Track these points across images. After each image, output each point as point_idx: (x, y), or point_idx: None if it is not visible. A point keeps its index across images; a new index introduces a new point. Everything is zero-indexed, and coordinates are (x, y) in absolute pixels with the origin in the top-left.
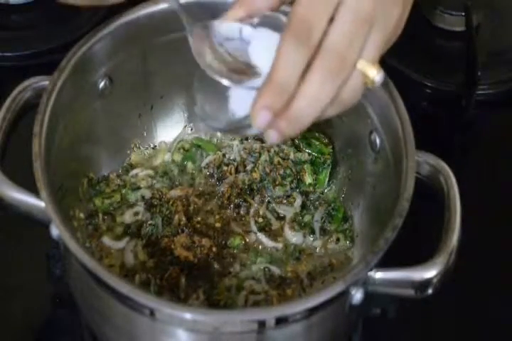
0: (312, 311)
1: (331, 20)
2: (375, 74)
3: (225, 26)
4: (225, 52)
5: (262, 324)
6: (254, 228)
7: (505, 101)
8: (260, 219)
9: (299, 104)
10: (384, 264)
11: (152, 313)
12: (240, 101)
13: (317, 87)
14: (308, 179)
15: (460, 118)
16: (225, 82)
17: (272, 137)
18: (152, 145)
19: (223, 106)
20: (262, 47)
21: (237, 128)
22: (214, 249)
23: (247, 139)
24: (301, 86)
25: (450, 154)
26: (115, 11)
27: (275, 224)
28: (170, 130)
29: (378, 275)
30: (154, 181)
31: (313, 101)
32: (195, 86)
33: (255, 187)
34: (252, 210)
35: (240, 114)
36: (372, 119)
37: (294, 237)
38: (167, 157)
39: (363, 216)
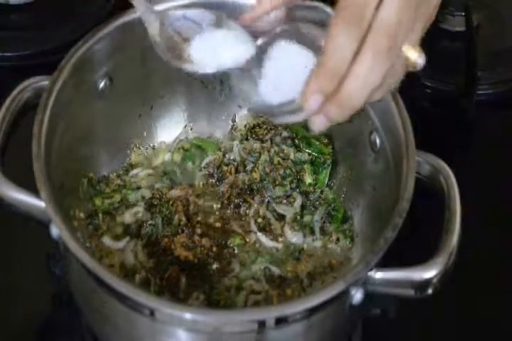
0: (312, 311)
1: (380, 2)
2: (417, 57)
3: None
4: (171, 30)
5: (262, 324)
6: (254, 228)
7: (505, 101)
8: (260, 219)
9: (350, 87)
10: (384, 264)
11: (152, 313)
12: (272, 87)
13: (368, 68)
14: (308, 179)
15: (460, 118)
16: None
17: (319, 123)
18: (152, 145)
19: (255, 91)
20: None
21: (276, 113)
22: (214, 249)
23: (247, 139)
24: (352, 68)
25: (450, 154)
26: (115, 11)
27: (275, 224)
28: (170, 130)
29: (378, 275)
30: (154, 181)
31: (364, 82)
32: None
33: (255, 187)
34: (252, 210)
35: (272, 100)
36: (373, 119)
37: (294, 237)
38: (167, 157)
39: (363, 216)
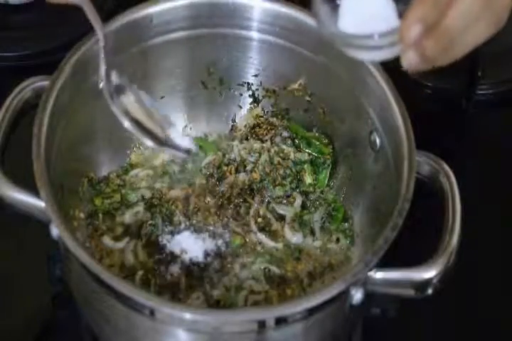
0: (312, 311)
1: None
2: None
3: None
4: None
5: (262, 324)
6: (254, 228)
7: (505, 101)
8: (260, 219)
9: (449, 18)
10: (384, 264)
11: (152, 313)
12: (352, 15)
13: (470, 2)
14: (308, 179)
15: (460, 118)
16: None
17: (412, 59)
18: None
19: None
20: None
21: (355, 47)
22: (214, 249)
23: (247, 139)
24: (454, 1)
25: (450, 154)
26: (115, 11)
27: (275, 224)
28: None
29: (378, 275)
30: (154, 181)
31: (463, 14)
32: None
33: (255, 187)
34: (252, 210)
35: (350, 29)
36: (373, 119)
37: (294, 237)
38: (167, 157)
39: (363, 216)
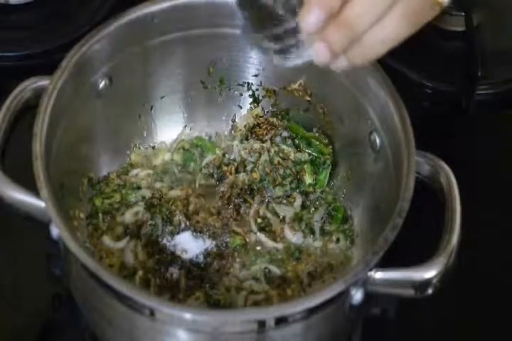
0: (312, 311)
1: None
2: None
3: None
4: None
5: (261, 324)
6: (254, 228)
7: (505, 101)
8: (260, 219)
9: (352, 7)
10: (384, 264)
11: (152, 313)
12: None
13: None
14: (308, 179)
15: (460, 119)
16: None
17: (321, 51)
18: (152, 145)
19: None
20: None
21: (282, 50)
22: (214, 249)
23: (247, 139)
24: None
25: (450, 154)
26: (115, 11)
27: (275, 224)
28: (170, 130)
29: (378, 275)
30: (154, 181)
31: (368, 4)
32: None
33: (255, 187)
34: (252, 210)
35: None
36: (373, 119)
37: (294, 237)
38: (167, 157)
39: (363, 216)
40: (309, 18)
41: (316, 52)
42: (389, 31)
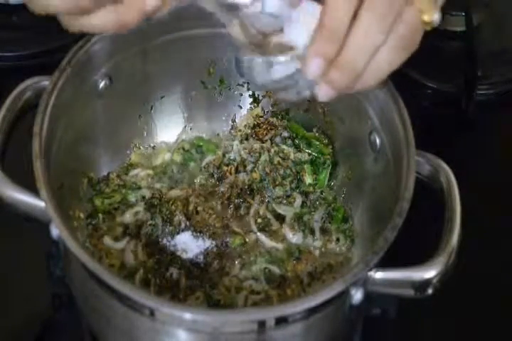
0: (312, 311)
1: None
2: (431, 13)
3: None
4: (251, 27)
5: (262, 324)
6: (254, 228)
7: (505, 101)
8: (260, 219)
9: (349, 48)
10: (384, 264)
11: (152, 313)
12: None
13: (365, 29)
14: (308, 179)
15: (460, 119)
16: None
17: (325, 92)
18: (152, 145)
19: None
20: (300, 22)
21: (282, 88)
22: (214, 249)
23: (247, 139)
24: (350, 32)
25: (450, 154)
26: None
27: (275, 224)
28: (170, 130)
29: (378, 275)
30: (154, 181)
31: (363, 43)
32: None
33: (255, 187)
34: (252, 210)
35: (277, 75)
36: (373, 119)
37: (294, 237)
38: (167, 157)
39: (363, 216)
40: (311, 67)
41: (321, 92)
42: (385, 61)
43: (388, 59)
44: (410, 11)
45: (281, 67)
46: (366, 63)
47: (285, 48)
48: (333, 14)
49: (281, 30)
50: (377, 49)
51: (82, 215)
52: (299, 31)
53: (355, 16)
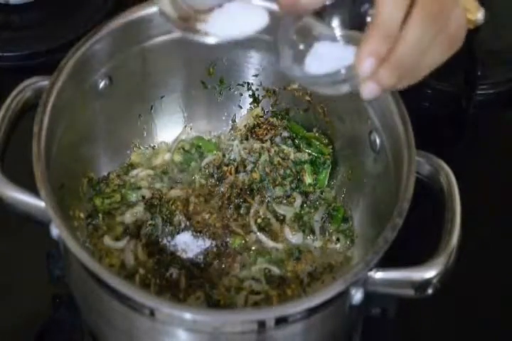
0: (312, 311)
1: None
2: (476, 13)
3: None
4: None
5: (262, 324)
6: (254, 228)
7: (505, 101)
8: (260, 219)
9: (400, 50)
10: (384, 264)
11: (152, 313)
12: (318, 58)
13: (417, 32)
14: (308, 179)
15: (460, 119)
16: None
17: (371, 89)
18: (152, 145)
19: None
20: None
21: (322, 84)
22: (214, 249)
23: (247, 139)
24: (403, 31)
25: (450, 154)
26: (115, 11)
27: (275, 224)
28: (170, 130)
29: (378, 275)
30: (154, 181)
31: (414, 45)
32: (280, 36)
33: (255, 187)
34: (252, 210)
35: (315, 70)
36: (373, 119)
37: (294, 237)
38: (167, 157)
39: (363, 216)
40: (363, 67)
41: (369, 90)
42: (433, 60)
43: (435, 58)
44: (458, 11)
45: (327, 62)
46: (416, 62)
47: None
48: (386, 14)
49: (211, 10)
50: (428, 48)
51: (82, 215)
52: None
53: (406, 16)
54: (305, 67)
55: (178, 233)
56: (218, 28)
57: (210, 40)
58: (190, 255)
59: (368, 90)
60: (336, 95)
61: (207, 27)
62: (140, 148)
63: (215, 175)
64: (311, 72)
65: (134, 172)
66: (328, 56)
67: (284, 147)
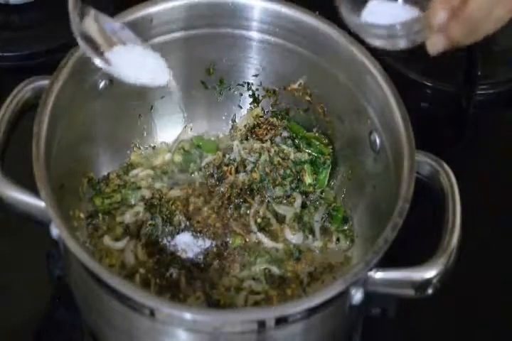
0: (312, 311)
1: None
2: None
3: None
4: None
5: (262, 324)
6: (254, 228)
7: (505, 101)
8: (260, 219)
9: (471, 4)
10: (384, 264)
11: (152, 313)
12: (374, 12)
13: None
14: (308, 179)
15: (460, 119)
16: None
17: (439, 42)
18: (152, 145)
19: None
20: None
21: (377, 35)
22: (214, 249)
23: (247, 139)
24: None
25: (450, 154)
26: (115, 11)
27: (275, 224)
28: (170, 130)
29: (378, 275)
30: (154, 181)
31: (486, 2)
32: None
33: (255, 187)
34: (252, 210)
35: (374, 20)
36: (373, 119)
37: (294, 237)
38: (167, 157)
39: (363, 216)
40: (436, 19)
41: (436, 43)
42: (498, 21)
43: (501, 15)
44: None
45: (383, 17)
46: (484, 18)
47: None
48: None
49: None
50: (496, 5)
51: (82, 215)
52: None
53: None
54: (362, 17)
55: (178, 233)
56: (117, 60)
57: (108, 70)
58: (190, 255)
59: (435, 43)
60: (393, 50)
61: (109, 55)
62: (140, 148)
63: (215, 175)
64: (368, 21)
65: (134, 172)
66: (383, 12)
67: (284, 147)
